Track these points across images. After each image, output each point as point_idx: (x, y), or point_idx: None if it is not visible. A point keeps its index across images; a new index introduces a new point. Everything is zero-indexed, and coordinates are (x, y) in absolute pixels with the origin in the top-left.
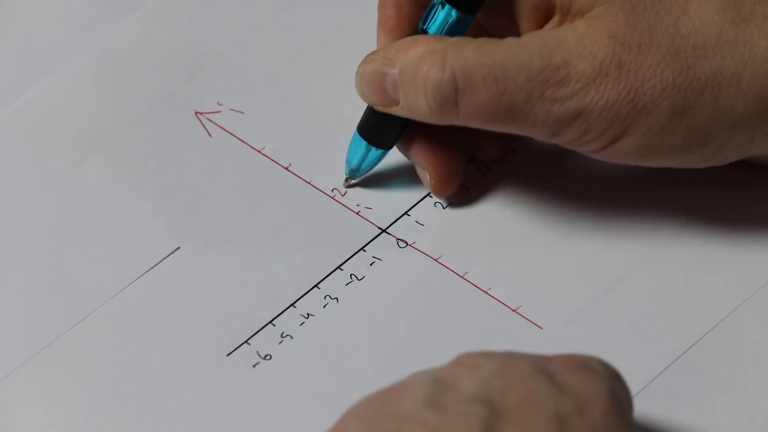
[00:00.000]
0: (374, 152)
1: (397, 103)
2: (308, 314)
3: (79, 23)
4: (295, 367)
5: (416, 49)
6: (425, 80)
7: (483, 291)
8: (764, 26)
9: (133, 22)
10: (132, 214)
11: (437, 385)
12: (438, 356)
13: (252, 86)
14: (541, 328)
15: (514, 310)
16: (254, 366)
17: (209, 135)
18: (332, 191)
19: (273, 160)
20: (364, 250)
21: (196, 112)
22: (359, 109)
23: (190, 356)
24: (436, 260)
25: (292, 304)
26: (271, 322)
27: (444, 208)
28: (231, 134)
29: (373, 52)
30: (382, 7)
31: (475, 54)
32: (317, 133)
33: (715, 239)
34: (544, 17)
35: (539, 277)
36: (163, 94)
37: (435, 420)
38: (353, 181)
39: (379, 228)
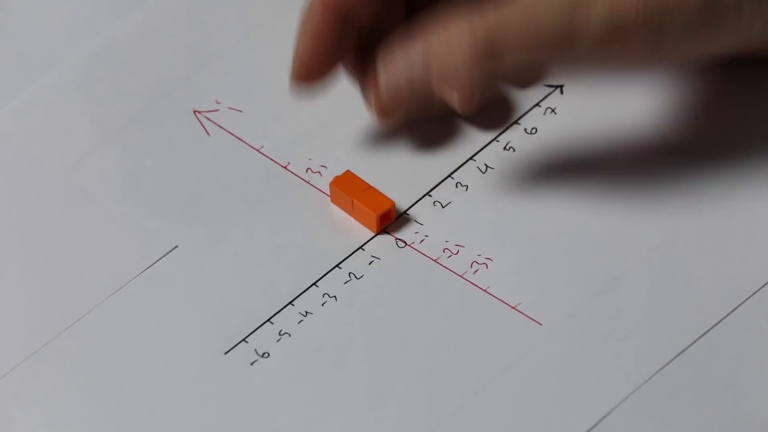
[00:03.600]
0: None
1: None
2: (306, 312)
3: (79, 23)
4: (293, 365)
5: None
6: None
7: (482, 289)
8: None
9: (132, 21)
10: (130, 212)
11: None
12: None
13: (250, 85)
14: (541, 325)
15: (513, 307)
16: (252, 364)
17: (207, 134)
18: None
19: (271, 159)
20: (363, 249)
21: (194, 111)
22: (359, 108)
23: (187, 354)
24: (434, 260)
25: (290, 302)
26: (269, 320)
27: (443, 207)
28: (229, 133)
29: None
30: None
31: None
32: (316, 132)
33: (717, 238)
34: None
35: (538, 274)
36: (162, 92)
37: None
38: None
39: None
